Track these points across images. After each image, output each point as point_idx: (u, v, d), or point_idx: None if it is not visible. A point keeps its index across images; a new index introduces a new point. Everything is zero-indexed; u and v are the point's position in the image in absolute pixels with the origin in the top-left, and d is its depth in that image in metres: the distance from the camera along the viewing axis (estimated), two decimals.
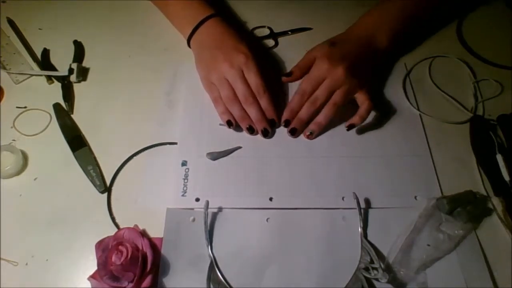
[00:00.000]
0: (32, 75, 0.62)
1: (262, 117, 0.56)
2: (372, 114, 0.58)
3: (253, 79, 0.56)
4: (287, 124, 0.56)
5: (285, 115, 0.57)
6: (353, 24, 0.63)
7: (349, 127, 0.55)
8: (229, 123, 0.56)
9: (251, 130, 0.55)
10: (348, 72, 0.55)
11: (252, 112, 0.55)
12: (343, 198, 0.51)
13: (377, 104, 0.59)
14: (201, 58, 0.61)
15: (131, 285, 0.43)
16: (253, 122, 0.56)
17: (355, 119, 0.55)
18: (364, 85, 0.57)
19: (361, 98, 0.56)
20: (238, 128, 0.56)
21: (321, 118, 0.56)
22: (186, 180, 0.53)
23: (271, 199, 0.51)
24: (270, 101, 0.56)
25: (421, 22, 0.66)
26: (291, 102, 0.57)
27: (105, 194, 0.52)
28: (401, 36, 0.63)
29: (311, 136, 0.56)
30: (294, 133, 0.56)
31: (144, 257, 0.45)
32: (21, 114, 0.59)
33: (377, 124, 0.58)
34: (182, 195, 0.51)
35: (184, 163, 0.54)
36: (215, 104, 0.58)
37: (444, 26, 0.69)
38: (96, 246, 0.46)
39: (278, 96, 0.59)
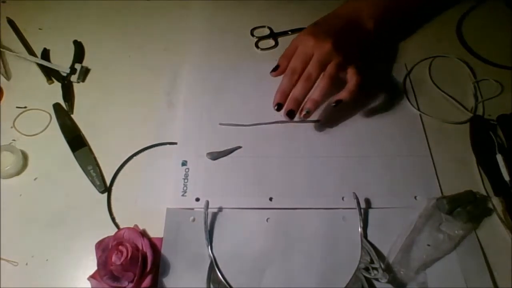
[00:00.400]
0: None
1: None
2: (373, 114, 0.59)
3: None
4: (279, 107, 0.53)
5: (277, 98, 0.53)
6: (338, 6, 0.62)
7: (336, 103, 0.53)
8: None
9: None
10: (335, 45, 0.54)
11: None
12: (343, 198, 0.51)
13: (377, 104, 0.60)
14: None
15: (131, 285, 0.43)
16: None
17: (343, 94, 0.53)
18: (353, 60, 0.56)
19: (350, 72, 0.55)
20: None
21: (316, 94, 0.53)
22: (186, 180, 0.53)
23: (271, 199, 0.51)
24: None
25: (410, 15, 0.66)
26: (281, 85, 0.54)
27: (105, 194, 0.52)
28: (388, 25, 0.63)
29: (308, 115, 0.53)
30: (292, 115, 0.53)
31: (144, 257, 0.45)
32: (21, 114, 0.59)
33: (377, 124, 0.58)
34: (182, 195, 0.51)
35: (184, 163, 0.54)
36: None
37: (444, 26, 0.69)
38: (96, 246, 0.46)
39: None
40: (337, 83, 0.56)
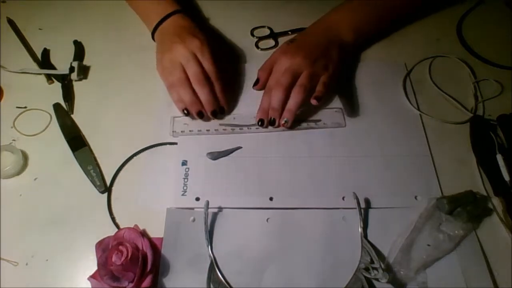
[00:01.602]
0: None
1: (213, 100, 0.56)
2: (373, 114, 0.59)
3: (207, 64, 0.56)
4: (262, 123, 0.56)
5: (259, 115, 0.57)
6: (318, 19, 0.64)
7: (316, 99, 0.54)
8: (186, 112, 0.55)
9: (201, 115, 0.55)
10: (307, 57, 0.57)
11: (204, 93, 0.55)
12: (343, 198, 0.51)
13: (377, 104, 0.60)
14: (160, 46, 0.60)
15: (131, 285, 0.43)
16: (203, 105, 0.56)
17: (317, 90, 0.55)
18: (327, 70, 0.57)
19: (320, 80, 0.57)
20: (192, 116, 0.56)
21: (291, 104, 0.55)
22: (186, 180, 0.53)
23: (271, 199, 0.51)
24: (222, 88, 0.57)
25: (389, 23, 0.67)
26: (261, 103, 0.58)
27: (105, 194, 0.52)
28: (367, 36, 0.65)
29: (287, 124, 0.55)
30: (274, 123, 0.56)
31: (144, 257, 0.45)
32: (21, 114, 0.59)
33: (377, 124, 0.58)
34: (182, 195, 0.51)
35: (184, 163, 0.54)
36: (169, 90, 0.57)
37: (444, 26, 0.69)
38: (96, 246, 0.46)
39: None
40: (312, 93, 0.56)
